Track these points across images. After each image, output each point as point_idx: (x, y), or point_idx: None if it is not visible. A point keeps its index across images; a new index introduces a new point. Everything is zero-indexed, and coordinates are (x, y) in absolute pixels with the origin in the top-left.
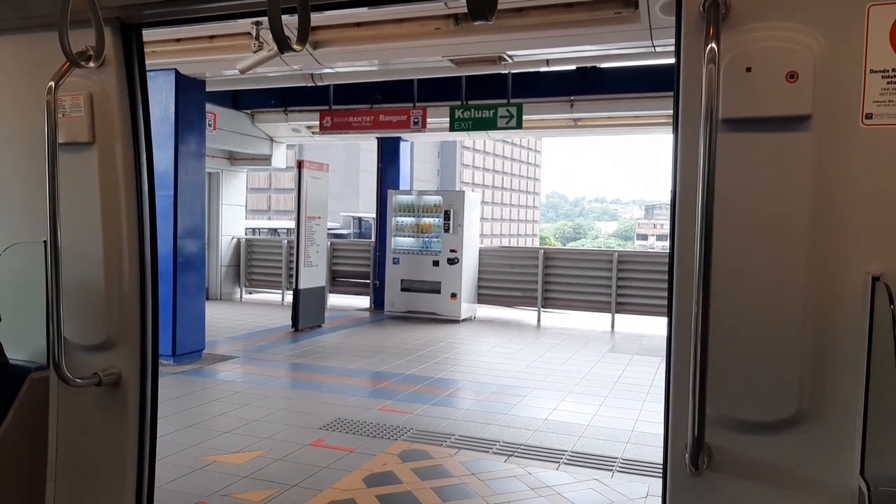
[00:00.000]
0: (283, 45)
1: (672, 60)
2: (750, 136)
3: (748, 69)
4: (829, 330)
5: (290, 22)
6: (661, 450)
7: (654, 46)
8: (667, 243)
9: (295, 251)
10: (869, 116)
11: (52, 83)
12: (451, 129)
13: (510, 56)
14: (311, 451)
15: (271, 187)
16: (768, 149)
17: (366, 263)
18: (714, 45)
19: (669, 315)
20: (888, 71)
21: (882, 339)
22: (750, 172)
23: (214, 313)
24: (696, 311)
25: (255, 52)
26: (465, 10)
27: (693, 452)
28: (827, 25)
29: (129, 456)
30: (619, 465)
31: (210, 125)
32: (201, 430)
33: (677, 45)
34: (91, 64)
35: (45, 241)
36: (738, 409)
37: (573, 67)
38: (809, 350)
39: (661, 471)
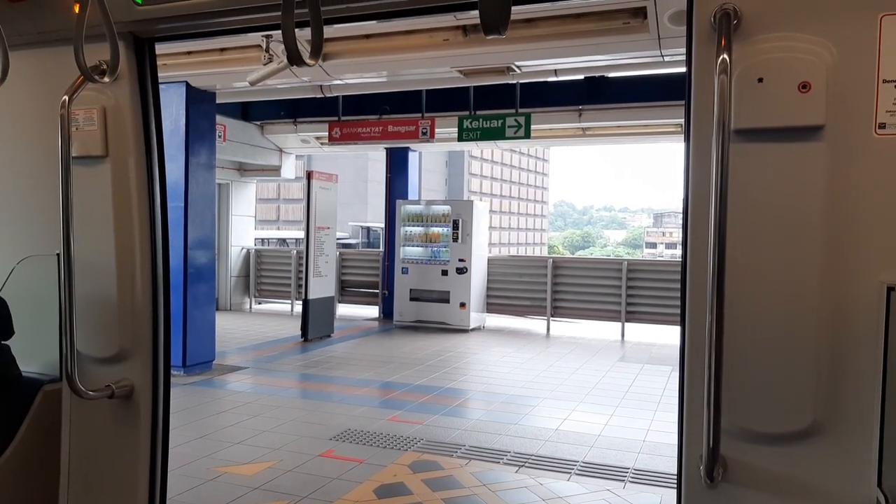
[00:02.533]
0: (297, 59)
1: (681, 70)
2: (762, 146)
3: (760, 80)
4: (843, 339)
5: (301, 35)
6: (673, 460)
7: (662, 56)
8: (676, 251)
9: (304, 261)
10: (882, 126)
11: (66, 97)
12: (460, 138)
13: (518, 66)
14: (321, 462)
15: (280, 198)
16: (781, 159)
17: (375, 273)
18: (726, 55)
19: (683, 325)
20: None
21: None
22: (763, 182)
23: (224, 324)
24: (709, 320)
25: (265, 65)
26: (474, 21)
27: (708, 464)
28: (839, 36)
29: (141, 468)
30: (632, 475)
31: (220, 137)
32: (212, 442)
33: (688, 55)
34: (105, 78)
35: (58, 254)
36: (752, 420)
37: (581, 77)
38: (824, 360)
39: (673, 481)
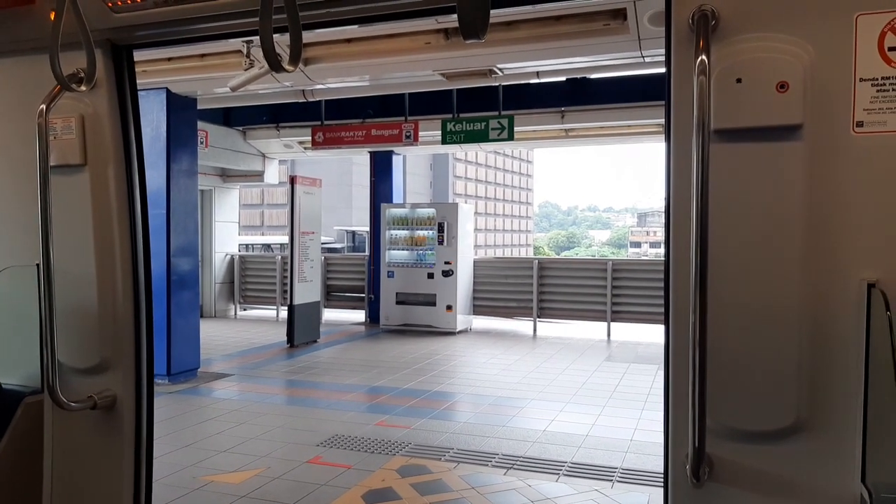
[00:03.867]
0: (276, 65)
1: (661, 70)
2: (742, 146)
3: (738, 80)
4: (826, 337)
5: (281, 40)
6: (661, 458)
7: (643, 57)
8: (660, 250)
9: (289, 266)
10: (860, 124)
11: (44, 106)
12: (444, 141)
13: (500, 69)
14: (308, 469)
15: (264, 203)
16: (761, 158)
17: (360, 277)
18: (704, 56)
19: (667, 325)
20: (877, 79)
21: (880, 344)
22: (743, 182)
23: (209, 331)
24: (693, 320)
25: (246, 70)
26: (456, 24)
27: (694, 463)
28: (815, 35)
29: (125, 479)
30: (619, 475)
31: (202, 143)
32: (197, 450)
33: (667, 56)
34: (82, 87)
35: (37, 264)
36: (737, 418)
37: (563, 79)
38: (807, 357)
39: (660, 480)
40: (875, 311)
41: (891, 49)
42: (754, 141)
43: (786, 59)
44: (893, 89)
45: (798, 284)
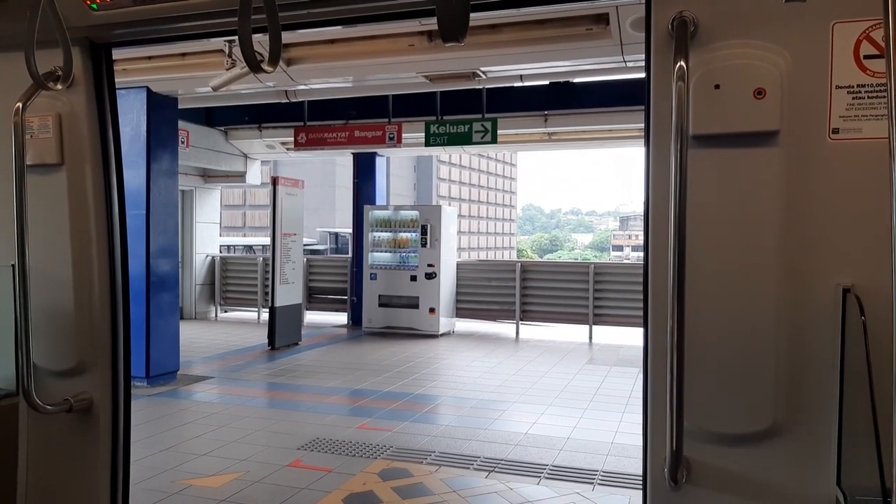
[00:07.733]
0: (255, 65)
1: (643, 75)
2: (720, 151)
3: (717, 86)
4: (802, 341)
5: (262, 40)
6: (641, 461)
7: (625, 62)
8: (641, 254)
9: (270, 268)
10: (835, 131)
11: (20, 104)
12: (427, 144)
13: (484, 72)
14: (289, 473)
15: (246, 204)
16: (738, 164)
17: (343, 279)
18: (683, 62)
19: (645, 329)
20: (853, 86)
21: (854, 349)
22: (721, 187)
23: (189, 333)
24: (671, 324)
25: (227, 70)
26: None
27: (672, 466)
28: (793, 43)
29: (101, 483)
30: (600, 477)
31: (183, 142)
32: (176, 454)
33: (647, 62)
34: (59, 85)
35: (13, 265)
36: (715, 421)
37: (546, 82)
38: (784, 361)
39: (641, 482)
40: (850, 316)
41: (866, 57)
42: (732, 146)
43: (763, 66)
44: (869, 97)
45: (774, 289)
